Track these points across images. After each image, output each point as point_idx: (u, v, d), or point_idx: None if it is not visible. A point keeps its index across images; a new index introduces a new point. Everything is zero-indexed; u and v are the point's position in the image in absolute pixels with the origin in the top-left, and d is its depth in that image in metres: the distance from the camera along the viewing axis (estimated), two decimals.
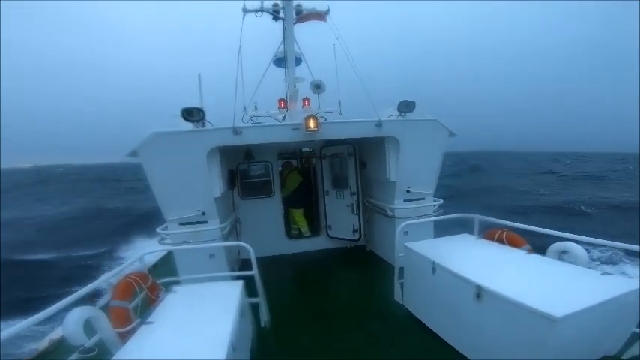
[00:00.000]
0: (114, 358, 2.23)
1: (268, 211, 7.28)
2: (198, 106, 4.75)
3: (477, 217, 4.64)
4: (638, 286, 2.65)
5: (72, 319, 2.44)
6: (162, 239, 5.05)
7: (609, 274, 2.94)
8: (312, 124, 4.90)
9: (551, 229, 3.75)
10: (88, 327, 2.59)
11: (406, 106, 5.30)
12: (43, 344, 4.44)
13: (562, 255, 3.62)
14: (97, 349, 2.53)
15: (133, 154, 4.68)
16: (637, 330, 2.95)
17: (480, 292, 3.00)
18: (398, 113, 5.40)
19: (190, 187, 4.89)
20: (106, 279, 3.32)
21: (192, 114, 4.62)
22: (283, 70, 7.37)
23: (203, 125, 4.83)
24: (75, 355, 2.51)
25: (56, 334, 4.48)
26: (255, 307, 4.09)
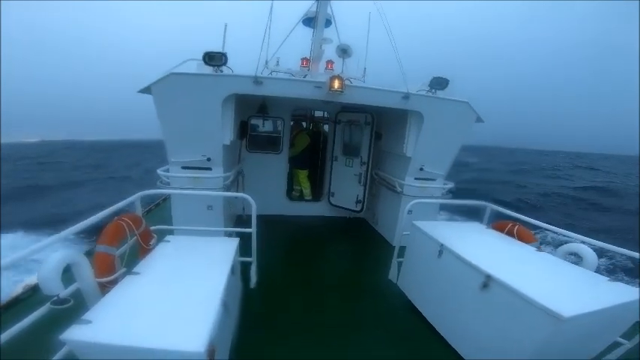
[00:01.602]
0: (90, 311, 1.99)
1: (273, 168, 7.14)
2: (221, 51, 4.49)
3: (489, 207, 4.50)
4: (638, 297, 2.67)
5: (50, 265, 2.12)
6: (162, 182, 4.88)
7: (616, 281, 2.92)
8: (337, 83, 4.67)
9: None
10: (68, 274, 2.27)
11: (438, 83, 5.03)
12: (15, 291, 4.14)
13: (571, 256, 3.52)
14: (72, 301, 2.21)
15: (146, 89, 4.46)
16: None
17: (487, 281, 2.91)
18: (427, 89, 5.12)
19: (200, 131, 4.71)
20: (97, 219, 2.94)
21: (213, 58, 4.38)
22: (311, 30, 7.00)
23: (221, 71, 4.59)
24: (45, 308, 2.21)
25: (33, 279, 4.12)
26: (245, 266, 3.95)
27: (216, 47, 4.67)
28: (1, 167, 35.10)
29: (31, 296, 3.83)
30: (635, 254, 2.99)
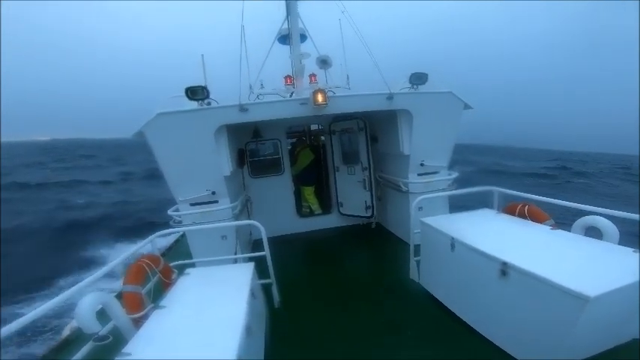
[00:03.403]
0: (127, 345, 2.16)
1: (278, 189, 7.24)
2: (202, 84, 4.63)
3: (497, 190, 4.47)
4: None
5: (84, 307, 2.38)
6: (174, 221, 5.02)
7: None
8: (320, 97, 4.74)
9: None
10: (102, 314, 2.55)
11: (418, 79, 5.11)
12: (64, 333, 4.47)
13: (589, 231, 3.37)
14: (111, 337, 2.47)
15: (139, 134, 4.62)
16: None
17: (505, 269, 2.83)
18: (410, 86, 5.21)
19: (199, 167, 4.84)
20: (117, 263, 3.24)
21: (196, 93, 4.52)
22: (288, 47, 7.22)
23: (208, 104, 4.74)
24: (89, 345, 2.46)
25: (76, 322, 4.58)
26: (268, 288, 4.05)
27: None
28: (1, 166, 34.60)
29: (78, 337, 3.98)
30: (635, 216, 2.92)
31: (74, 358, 2.36)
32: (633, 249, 2.74)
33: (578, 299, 2.22)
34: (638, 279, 2.35)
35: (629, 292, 2.34)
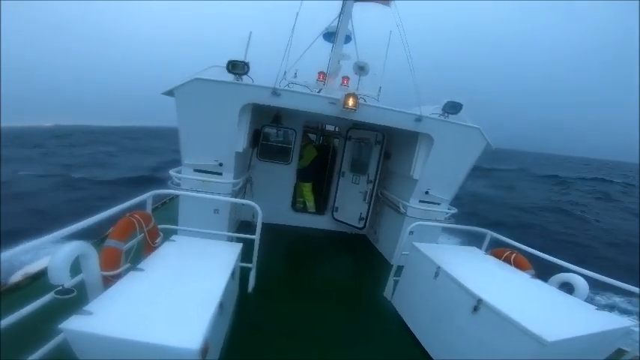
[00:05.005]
0: (91, 303, 2.08)
1: (281, 178, 7.25)
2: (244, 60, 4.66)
3: (490, 234, 4.62)
4: (621, 325, 2.86)
5: (62, 254, 2.17)
6: (173, 182, 5.03)
7: (603, 310, 3.07)
8: (351, 101, 4.77)
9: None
10: (75, 265, 2.30)
11: (452, 107, 5.07)
12: (15, 277, 4.18)
13: (564, 285, 3.63)
14: (75, 292, 2.24)
15: (169, 92, 4.65)
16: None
17: (478, 305, 3.01)
18: (440, 112, 5.17)
19: (215, 136, 4.87)
20: (109, 214, 3.02)
21: (236, 66, 4.57)
22: (330, 45, 7.14)
23: (242, 80, 4.75)
24: (49, 296, 2.24)
25: (33, 267, 4.26)
26: (244, 271, 4.06)
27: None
28: (1, 154, 33.44)
29: (30, 285, 3.87)
30: (635, 289, 3.10)
31: (27, 308, 2.16)
32: (596, 307, 3.09)
33: (537, 342, 2.45)
34: (590, 332, 2.66)
35: (581, 343, 2.62)
